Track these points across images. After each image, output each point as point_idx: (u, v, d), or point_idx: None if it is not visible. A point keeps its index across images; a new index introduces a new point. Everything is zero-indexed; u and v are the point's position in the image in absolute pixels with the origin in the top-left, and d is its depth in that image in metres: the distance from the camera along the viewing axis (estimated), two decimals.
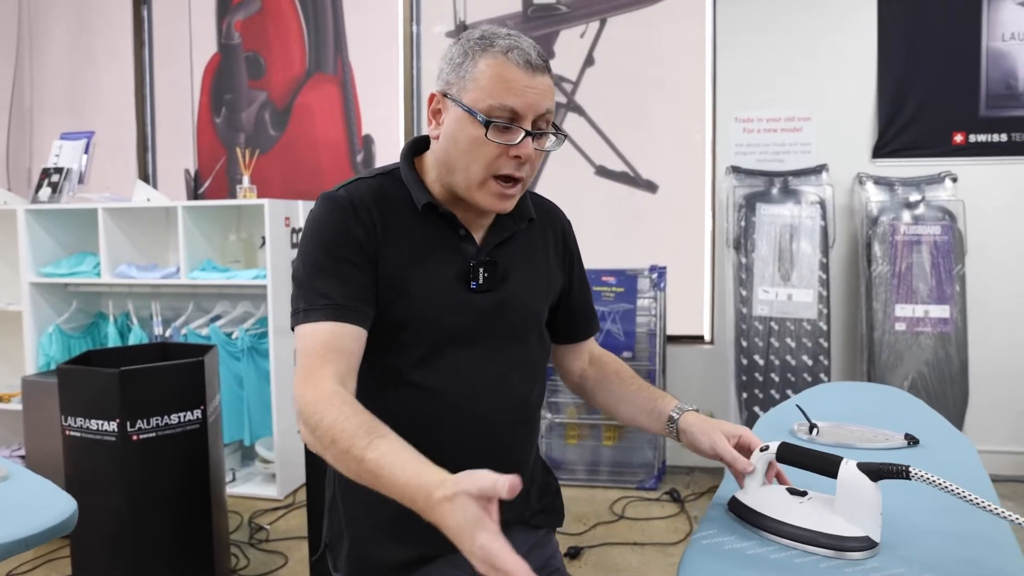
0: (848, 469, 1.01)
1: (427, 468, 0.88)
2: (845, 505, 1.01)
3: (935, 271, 3.64)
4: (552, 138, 1.11)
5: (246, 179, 3.75)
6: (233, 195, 4.41)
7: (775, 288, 3.61)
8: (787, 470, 1.16)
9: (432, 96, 1.12)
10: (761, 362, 3.61)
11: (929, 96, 3.89)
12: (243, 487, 3.63)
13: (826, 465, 1.04)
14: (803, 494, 1.08)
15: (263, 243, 3.62)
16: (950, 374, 3.61)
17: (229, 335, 3.65)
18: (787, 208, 3.70)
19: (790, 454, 1.09)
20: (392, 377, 1.12)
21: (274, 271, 3.48)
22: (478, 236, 1.17)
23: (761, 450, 1.12)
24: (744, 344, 3.64)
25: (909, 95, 3.88)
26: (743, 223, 3.73)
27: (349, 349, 1.05)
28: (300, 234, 1.20)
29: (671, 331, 3.98)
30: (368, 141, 4.39)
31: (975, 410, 3.88)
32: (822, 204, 3.70)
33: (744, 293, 3.66)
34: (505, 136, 1.06)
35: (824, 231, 3.68)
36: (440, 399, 1.12)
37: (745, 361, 3.63)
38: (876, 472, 1.00)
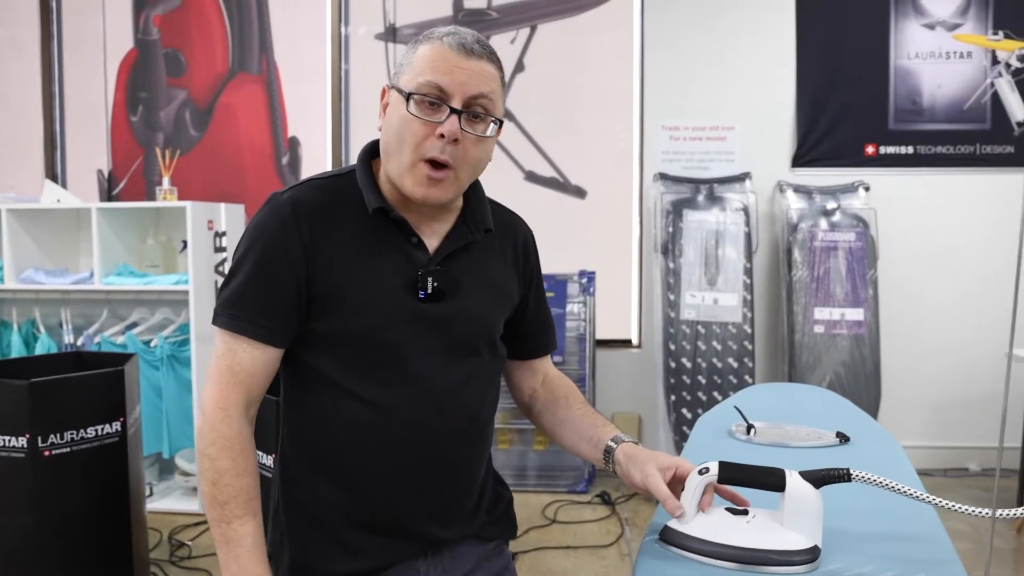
0: (795, 481, 1.00)
1: (794, 479, 0.98)
2: (792, 516, 0.99)
3: (850, 275, 3.80)
4: (492, 125, 1.08)
5: (166, 180, 3.61)
6: (152, 197, 4.23)
7: (702, 292, 3.70)
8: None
9: (383, 91, 1.12)
10: (688, 365, 3.69)
11: (843, 109, 4.06)
12: (162, 502, 3.47)
13: (771, 479, 1.02)
14: (745, 513, 1.04)
15: (184, 247, 3.48)
16: (864, 374, 3.77)
17: (147, 343, 3.50)
18: (713, 214, 3.81)
19: (732, 472, 1.05)
20: (334, 390, 1.09)
21: (196, 276, 3.35)
22: (432, 244, 1.13)
23: (700, 472, 1.05)
24: (672, 347, 3.72)
25: (825, 108, 4.05)
26: (670, 229, 3.80)
27: (263, 374, 1.09)
28: (239, 235, 1.15)
29: (600, 335, 4.03)
30: (294, 143, 4.29)
31: (888, 408, 4.07)
32: (746, 211, 3.81)
33: (672, 297, 3.74)
34: (431, 113, 1.04)
35: (748, 237, 3.79)
36: (386, 413, 1.08)
37: (673, 364, 3.70)
38: (819, 479, 1.00)
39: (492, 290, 1.19)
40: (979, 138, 4.10)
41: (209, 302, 3.39)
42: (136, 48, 4.35)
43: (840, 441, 1.52)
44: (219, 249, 3.55)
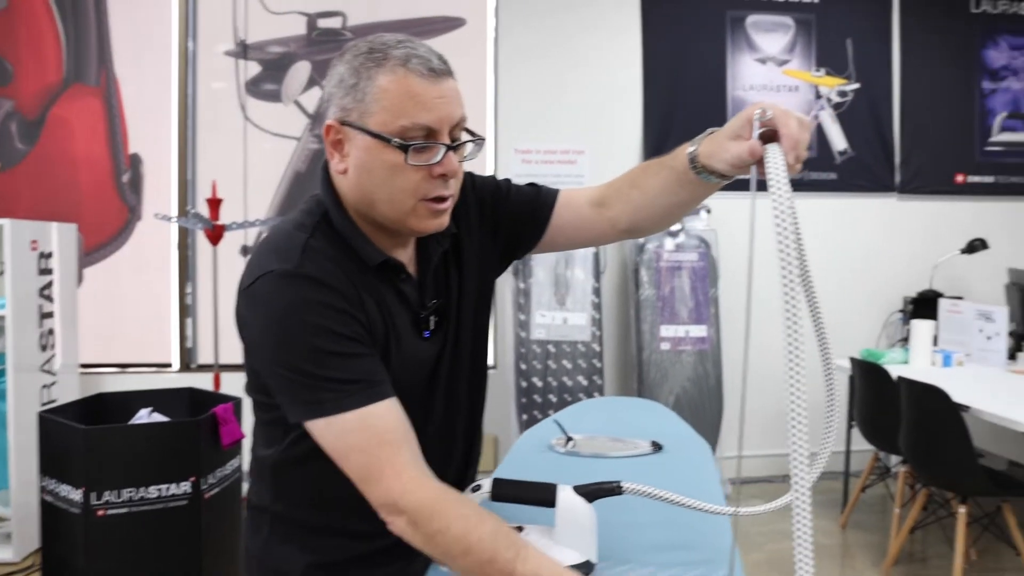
0: (566, 495, 1.01)
1: (567, 494, 0.94)
2: (565, 532, 1.00)
3: (694, 294, 4.00)
4: (470, 145, 1.01)
5: None
6: None
7: (552, 312, 3.78)
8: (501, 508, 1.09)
9: (328, 127, 0.98)
10: (540, 384, 3.75)
11: (686, 135, 4.22)
12: None
13: (543, 495, 1.02)
14: (520, 530, 1.03)
15: (1, 271, 3.22)
16: (708, 388, 3.97)
17: None
18: None
19: (505, 490, 1.05)
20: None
21: (16, 301, 3.10)
22: (410, 269, 1.07)
23: (472, 490, 1.06)
24: (523, 367, 3.77)
25: (670, 133, 4.27)
26: None
27: (407, 427, 0.95)
28: (255, 328, 0.98)
29: None
30: (136, 161, 4.07)
31: (730, 419, 4.28)
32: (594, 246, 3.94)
33: (523, 317, 3.80)
34: (425, 156, 0.95)
35: (596, 257, 3.92)
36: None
37: (524, 384, 3.76)
38: (592, 493, 1.01)
39: (479, 298, 1.15)
40: (806, 165, 4.43)
41: (28, 329, 3.15)
42: None
43: (654, 450, 1.58)
44: (44, 271, 3.31)
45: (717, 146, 0.97)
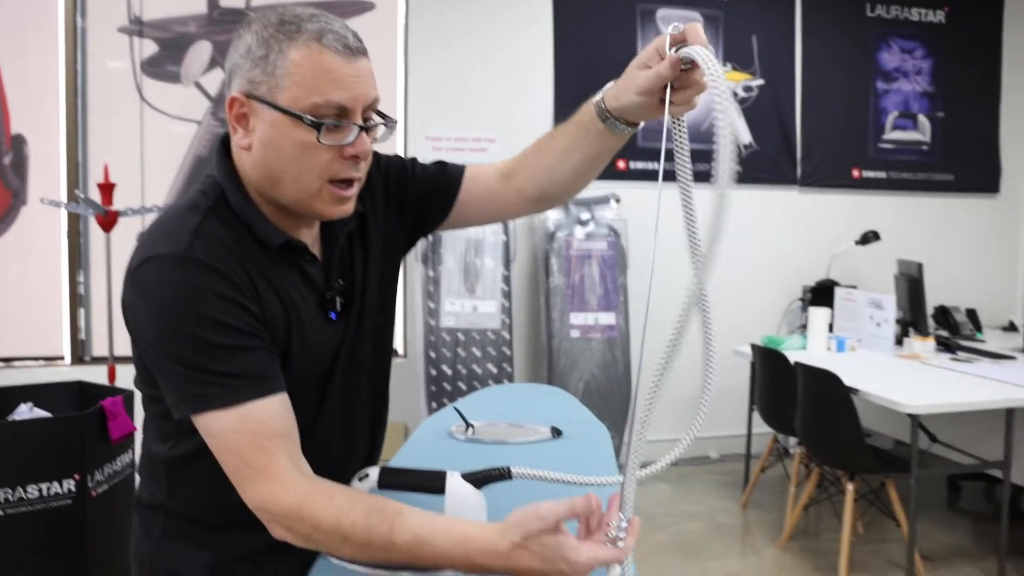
0: (454, 482, 1.00)
1: (469, 527, 0.86)
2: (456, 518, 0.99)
3: (603, 282, 4.05)
4: (382, 128, 0.99)
5: None
6: None
7: (461, 300, 3.77)
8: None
9: (233, 100, 0.93)
10: (449, 372, 3.74)
11: None
12: None
13: (431, 482, 1.02)
14: None
15: None
16: (616, 374, 4.03)
17: None
18: None
19: (392, 478, 1.04)
20: None
21: None
22: (314, 250, 1.03)
23: (359, 479, 1.04)
24: (433, 355, 3.75)
25: None
26: (430, 238, 3.84)
27: (289, 425, 0.91)
28: (141, 315, 0.91)
29: None
30: (19, 141, 3.83)
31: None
32: (504, 221, 3.94)
33: (432, 305, 3.77)
34: (337, 136, 0.92)
35: (506, 246, 3.92)
36: (305, 440, 0.97)
37: (434, 372, 3.73)
38: (481, 480, 1.01)
39: (385, 278, 1.13)
40: (706, 158, 4.55)
41: None
42: None
43: (554, 435, 1.59)
44: None
45: (626, 82, 0.98)
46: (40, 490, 1.92)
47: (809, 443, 3.20)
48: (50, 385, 2.39)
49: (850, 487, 3.04)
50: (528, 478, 1.02)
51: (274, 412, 0.89)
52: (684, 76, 0.91)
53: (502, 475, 1.01)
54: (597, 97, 1.03)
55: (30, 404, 2.26)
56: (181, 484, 1.01)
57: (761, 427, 4.42)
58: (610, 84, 1.02)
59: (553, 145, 1.11)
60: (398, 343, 4.12)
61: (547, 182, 1.13)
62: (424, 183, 1.16)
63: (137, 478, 1.10)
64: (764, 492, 4.05)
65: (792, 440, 4.38)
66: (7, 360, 3.84)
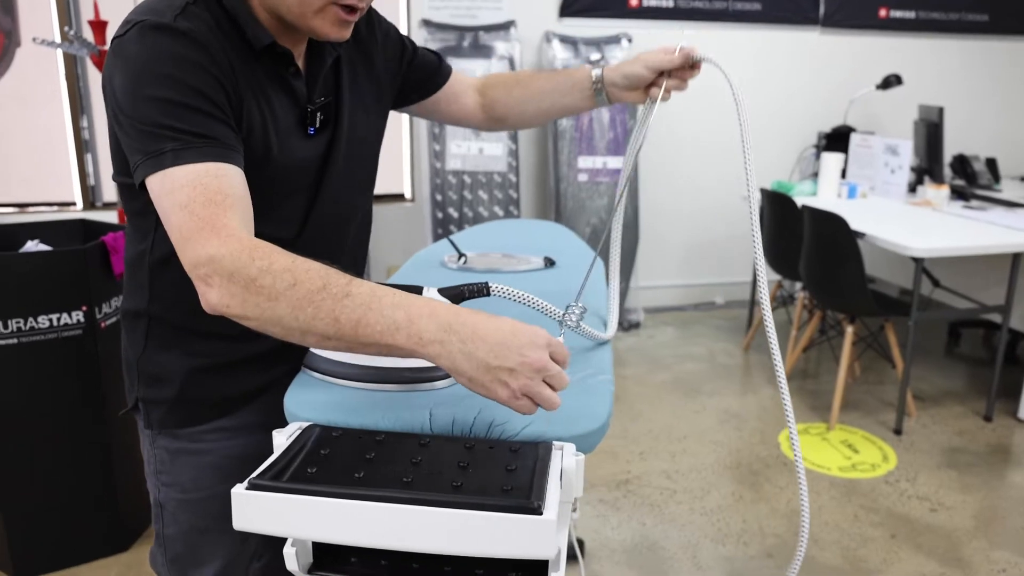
0: (430, 296, 0.98)
1: (432, 295, 0.87)
2: None
3: (612, 124, 3.95)
4: None
5: None
6: None
7: (467, 143, 3.70)
8: None
9: None
10: (456, 215, 3.73)
11: None
12: None
13: None
14: None
15: None
16: (624, 220, 4.01)
17: None
18: (477, 64, 3.76)
19: None
20: None
21: None
22: (299, 63, 1.03)
23: None
24: (439, 198, 3.73)
25: None
26: None
27: (245, 197, 0.87)
28: (116, 79, 0.89)
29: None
30: None
31: (645, 250, 4.39)
32: (511, 61, 3.79)
33: (438, 148, 3.71)
34: None
35: None
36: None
37: (440, 215, 3.73)
38: (458, 295, 0.99)
39: (371, 106, 1.14)
40: None
41: None
42: None
43: (546, 265, 1.60)
44: None
45: (634, 59, 1.16)
46: (51, 320, 1.98)
47: (812, 286, 3.22)
48: (56, 223, 2.41)
49: (849, 329, 3.09)
50: (507, 296, 0.99)
51: (232, 179, 0.86)
52: (681, 71, 1.17)
53: (480, 291, 0.99)
54: (597, 70, 1.21)
55: (36, 240, 2.29)
56: (162, 287, 1.02)
57: (768, 274, 4.45)
58: (605, 61, 1.17)
59: (536, 85, 1.26)
60: (405, 187, 4.10)
61: (515, 112, 1.29)
62: (421, 63, 1.24)
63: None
64: (766, 336, 4.13)
65: (797, 286, 4.41)
66: (21, 206, 3.87)
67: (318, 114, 1.03)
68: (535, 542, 0.69)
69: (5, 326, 1.95)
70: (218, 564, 1.10)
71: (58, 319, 2.00)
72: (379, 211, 3.98)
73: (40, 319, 1.99)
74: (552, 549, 0.69)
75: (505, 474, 0.76)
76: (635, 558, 2.22)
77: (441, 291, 1.01)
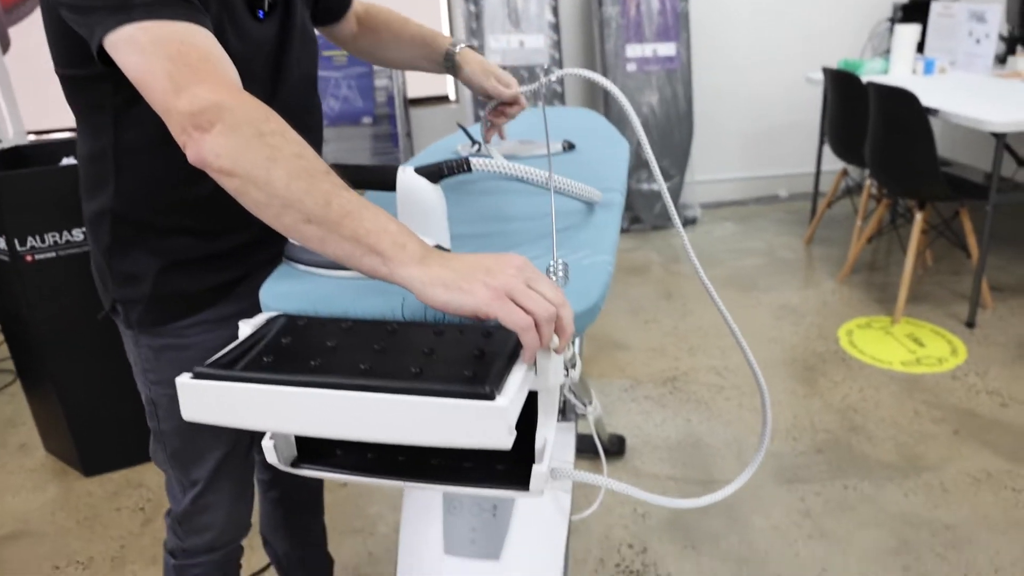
0: (406, 176, 0.91)
1: (407, 175, 0.88)
2: (409, 217, 0.91)
3: (662, 9, 3.70)
4: None
5: None
6: None
7: (507, 35, 3.52)
8: None
9: None
10: None
11: None
12: None
13: (379, 177, 0.92)
14: None
15: None
16: (677, 110, 3.80)
17: None
18: None
19: (340, 174, 0.91)
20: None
21: None
22: None
23: None
24: (480, 97, 3.60)
25: None
26: None
27: (229, 62, 0.80)
28: None
29: (414, 93, 3.84)
30: None
31: (701, 143, 4.17)
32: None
33: (476, 43, 3.55)
34: None
35: None
36: None
37: (483, 113, 3.61)
38: (436, 173, 0.91)
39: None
40: None
41: None
42: None
43: (564, 149, 1.50)
44: None
45: (481, 76, 1.27)
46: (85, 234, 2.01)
47: (877, 169, 3.00)
48: None
49: (919, 216, 2.88)
50: (489, 170, 0.92)
51: (211, 41, 0.79)
52: (506, 105, 1.33)
53: (460, 167, 0.91)
54: (456, 48, 1.26)
55: (72, 156, 2.30)
56: (123, 183, 0.97)
57: (834, 164, 4.18)
58: (465, 43, 1.27)
59: (405, 36, 1.28)
60: (448, 88, 3.97)
61: (380, 52, 1.32)
62: None
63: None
64: (830, 228, 3.92)
65: (865, 173, 4.15)
66: (59, 131, 3.92)
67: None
68: (486, 431, 0.63)
69: (42, 240, 1.98)
70: (218, 454, 1.10)
71: None
72: (423, 114, 3.88)
73: (75, 232, 2.01)
74: (507, 438, 0.63)
75: (471, 360, 0.70)
76: (678, 455, 2.17)
77: (418, 170, 0.93)
